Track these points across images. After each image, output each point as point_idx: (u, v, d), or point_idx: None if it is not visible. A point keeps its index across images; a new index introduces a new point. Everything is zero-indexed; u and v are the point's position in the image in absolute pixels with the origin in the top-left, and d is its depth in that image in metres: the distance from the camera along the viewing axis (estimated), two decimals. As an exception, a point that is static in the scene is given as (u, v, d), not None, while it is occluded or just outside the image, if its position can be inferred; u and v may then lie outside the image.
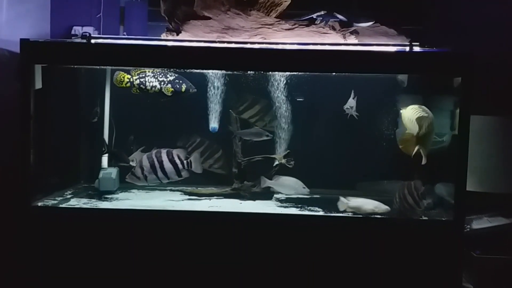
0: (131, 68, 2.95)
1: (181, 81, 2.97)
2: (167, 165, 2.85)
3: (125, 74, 2.95)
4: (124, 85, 2.94)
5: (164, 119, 3.28)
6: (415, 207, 2.77)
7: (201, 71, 3.05)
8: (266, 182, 3.06)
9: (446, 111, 3.04)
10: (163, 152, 2.88)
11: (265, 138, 3.13)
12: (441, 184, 2.98)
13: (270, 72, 3.08)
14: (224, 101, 3.21)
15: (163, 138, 3.17)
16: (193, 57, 2.73)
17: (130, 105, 3.23)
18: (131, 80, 2.93)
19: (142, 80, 2.93)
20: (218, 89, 3.16)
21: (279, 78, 3.17)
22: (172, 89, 2.93)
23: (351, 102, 3.04)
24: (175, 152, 2.89)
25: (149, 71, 2.95)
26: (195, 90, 3.05)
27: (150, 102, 3.08)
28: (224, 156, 3.33)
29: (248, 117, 3.29)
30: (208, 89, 3.18)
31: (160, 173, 2.84)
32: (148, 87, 2.94)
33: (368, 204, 2.79)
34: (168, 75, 2.96)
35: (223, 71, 3.08)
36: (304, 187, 3.04)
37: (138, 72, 2.94)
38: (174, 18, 2.94)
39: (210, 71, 3.07)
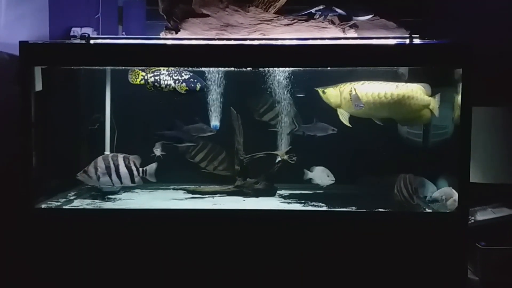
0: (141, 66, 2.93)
1: (195, 80, 2.96)
2: (123, 169, 2.86)
3: (140, 71, 2.94)
4: (139, 82, 2.94)
5: (166, 120, 3.27)
6: (409, 200, 2.78)
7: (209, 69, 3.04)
8: (308, 174, 3.04)
9: (447, 103, 3.03)
10: (120, 157, 2.88)
11: (331, 132, 3.09)
12: (443, 177, 2.98)
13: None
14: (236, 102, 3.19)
15: (166, 144, 3.17)
16: (193, 55, 2.72)
17: (131, 105, 3.23)
18: (146, 77, 2.92)
19: (156, 78, 2.92)
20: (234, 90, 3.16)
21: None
22: (187, 87, 2.93)
23: (357, 99, 3.01)
24: (131, 158, 2.90)
25: (163, 69, 2.94)
26: (209, 89, 3.04)
27: (162, 103, 3.07)
28: (228, 157, 3.32)
29: (269, 120, 3.27)
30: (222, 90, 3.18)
31: (114, 177, 2.84)
32: (163, 85, 2.93)
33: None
34: (183, 74, 2.95)
35: (225, 69, 3.08)
36: (328, 175, 3.01)
37: (153, 70, 2.93)
38: (173, 16, 2.93)
39: (217, 70, 3.07)
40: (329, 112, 3.14)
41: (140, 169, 2.92)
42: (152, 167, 2.95)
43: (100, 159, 2.86)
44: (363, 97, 2.92)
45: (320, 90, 3.05)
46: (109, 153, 3.05)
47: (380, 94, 2.91)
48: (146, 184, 3.26)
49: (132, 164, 2.88)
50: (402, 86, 2.93)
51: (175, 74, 2.93)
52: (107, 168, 2.84)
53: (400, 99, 2.90)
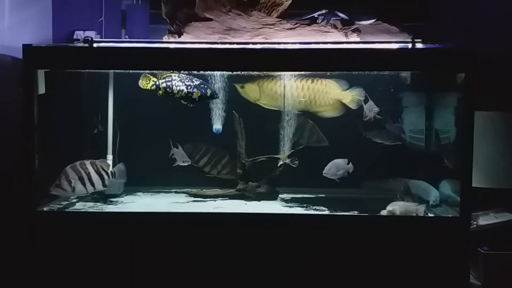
0: (156, 71, 2.93)
1: (206, 86, 2.96)
2: (94, 176, 2.88)
3: (151, 77, 2.93)
4: (150, 88, 2.93)
5: (168, 125, 3.27)
6: None
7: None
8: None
9: (450, 108, 3.03)
10: (87, 164, 2.89)
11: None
12: (447, 181, 2.98)
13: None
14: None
15: (168, 145, 3.18)
16: (196, 59, 2.73)
17: (134, 109, 3.24)
18: (157, 83, 2.92)
19: (168, 84, 2.91)
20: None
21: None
22: (199, 93, 2.93)
23: (371, 105, 3.01)
24: (98, 162, 2.93)
25: (175, 75, 2.94)
26: (219, 96, 3.04)
27: (170, 106, 3.07)
28: (231, 161, 3.31)
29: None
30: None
31: (88, 184, 2.86)
32: (175, 91, 2.92)
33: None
34: (194, 80, 2.95)
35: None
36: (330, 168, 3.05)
37: (164, 76, 2.92)
38: (176, 20, 2.94)
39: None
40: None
41: (109, 171, 2.95)
42: (119, 167, 3.00)
43: (69, 170, 2.84)
44: (282, 92, 3.11)
45: (238, 86, 3.17)
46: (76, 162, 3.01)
47: (298, 88, 3.11)
48: (148, 187, 3.29)
49: (100, 169, 2.91)
50: (317, 81, 3.12)
51: (187, 80, 2.93)
52: (80, 178, 2.84)
53: (315, 93, 3.11)
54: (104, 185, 2.93)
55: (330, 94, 3.13)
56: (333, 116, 3.17)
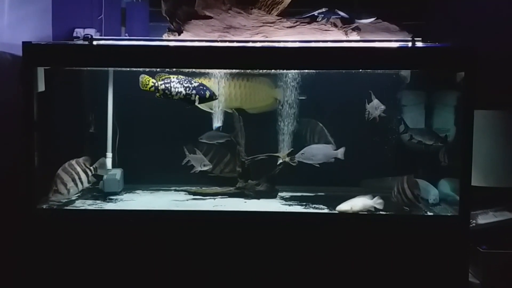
0: (153, 70, 2.92)
1: (204, 88, 2.96)
2: (82, 174, 2.90)
3: (150, 78, 2.93)
4: (148, 89, 2.93)
5: (168, 122, 3.27)
6: (414, 201, 2.78)
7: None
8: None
9: (449, 106, 3.04)
10: (74, 163, 2.91)
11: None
12: (446, 180, 2.98)
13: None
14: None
15: (168, 146, 3.18)
16: (195, 57, 2.73)
17: (133, 107, 3.24)
18: (156, 84, 2.91)
19: (167, 85, 2.91)
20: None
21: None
22: (197, 95, 2.93)
23: (376, 103, 2.98)
24: (81, 160, 2.94)
25: (173, 77, 2.94)
26: (217, 97, 3.05)
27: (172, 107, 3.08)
28: (233, 159, 3.31)
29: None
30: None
31: (79, 184, 2.89)
32: (173, 93, 2.92)
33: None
34: (192, 82, 2.95)
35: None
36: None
37: (163, 77, 2.92)
38: (176, 18, 2.94)
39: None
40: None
41: (92, 167, 2.97)
42: (100, 161, 3.02)
43: (62, 173, 2.86)
44: (221, 92, 3.17)
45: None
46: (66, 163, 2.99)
47: (236, 86, 3.20)
48: (148, 185, 3.29)
49: (85, 167, 2.93)
50: (252, 79, 3.23)
51: (185, 82, 2.92)
52: (73, 179, 2.86)
53: (251, 91, 3.23)
54: (89, 182, 2.95)
55: (264, 91, 3.22)
56: (266, 111, 3.25)
